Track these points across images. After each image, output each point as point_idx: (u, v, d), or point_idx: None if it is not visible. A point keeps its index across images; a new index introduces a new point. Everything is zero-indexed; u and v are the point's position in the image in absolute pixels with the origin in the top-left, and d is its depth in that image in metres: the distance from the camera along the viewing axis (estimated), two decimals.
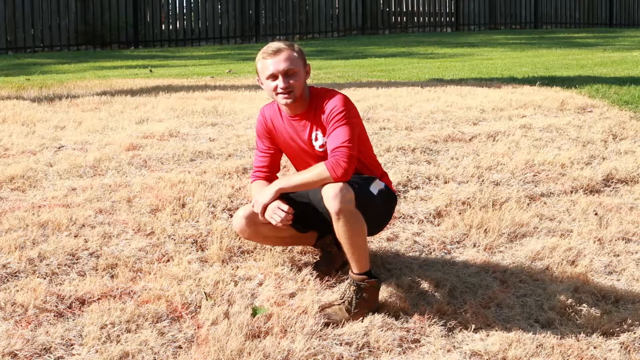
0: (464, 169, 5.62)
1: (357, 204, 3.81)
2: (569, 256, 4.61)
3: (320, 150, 4.01)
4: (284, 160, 4.54)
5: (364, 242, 3.88)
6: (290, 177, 4.02)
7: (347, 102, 3.97)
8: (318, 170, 3.86)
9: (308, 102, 4.02)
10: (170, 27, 17.84)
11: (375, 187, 4.02)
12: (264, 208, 3.93)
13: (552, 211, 5.16)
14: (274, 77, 3.94)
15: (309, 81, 4.12)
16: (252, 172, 4.23)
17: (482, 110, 7.11)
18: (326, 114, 3.94)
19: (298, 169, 4.20)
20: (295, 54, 3.95)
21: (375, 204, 3.99)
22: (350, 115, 3.93)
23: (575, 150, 6.06)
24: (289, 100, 3.95)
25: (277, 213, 3.91)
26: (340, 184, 3.79)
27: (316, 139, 4.01)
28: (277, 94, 3.95)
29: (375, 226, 4.12)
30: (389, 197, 4.11)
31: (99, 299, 3.93)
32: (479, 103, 7.35)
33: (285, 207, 3.91)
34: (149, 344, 3.61)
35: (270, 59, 3.92)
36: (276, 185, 3.96)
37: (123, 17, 16.86)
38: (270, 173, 4.19)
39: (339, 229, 3.81)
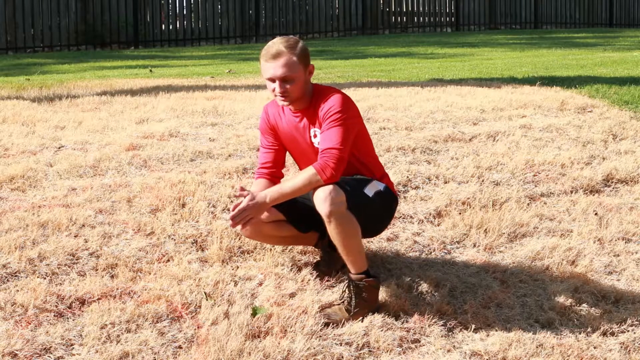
0: (464, 169, 5.62)
1: (349, 207, 3.80)
2: (569, 256, 4.61)
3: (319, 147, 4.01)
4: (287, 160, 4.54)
5: (358, 243, 3.87)
6: (280, 187, 3.94)
7: (345, 102, 3.96)
8: (307, 175, 3.85)
9: (310, 99, 4.02)
10: (170, 27, 17.84)
11: (371, 188, 4.01)
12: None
13: (552, 211, 5.16)
14: (272, 80, 3.96)
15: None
16: (257, 169, 4.23)
17: (482, 110, 7.10)
18: (323, 112, 3.94)
19: (301, 167, 4.20)
20: (294, 57, 3.92)
21: (371, 206, 3.98)
22: (348, 115, 3.93)
23: (575, 150, 6.06)
24: (285, 103, 3.99)
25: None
26: (330, 187, 3.78)
27: (315, 136, 4.02)
28: (275, 95, 3.98)
29: (373, 228, 4.12)
30: (388, 199, 4.08)
31: (99, 299, 3.93)
32: (479, 103, 7.34)
33: None
34: (149, 344, 3.61)
35: (270, 62, 3.93)
36: (267, 198, 3.88)
37: (123, 17, 16.85)
38: (274, 169, 4.18)
39: (331, 231, 3.81)
